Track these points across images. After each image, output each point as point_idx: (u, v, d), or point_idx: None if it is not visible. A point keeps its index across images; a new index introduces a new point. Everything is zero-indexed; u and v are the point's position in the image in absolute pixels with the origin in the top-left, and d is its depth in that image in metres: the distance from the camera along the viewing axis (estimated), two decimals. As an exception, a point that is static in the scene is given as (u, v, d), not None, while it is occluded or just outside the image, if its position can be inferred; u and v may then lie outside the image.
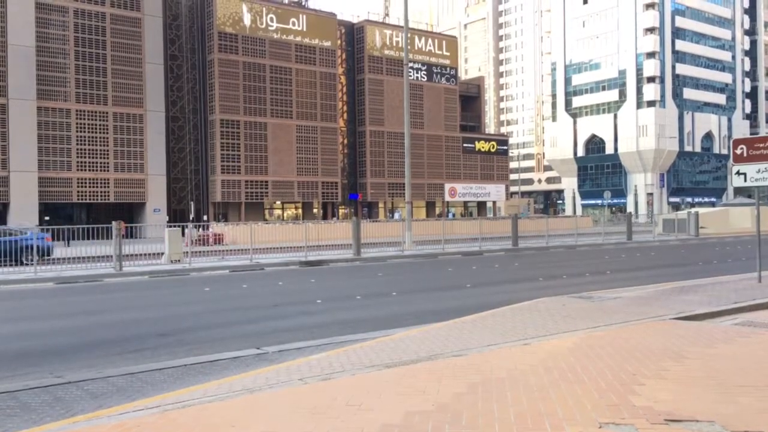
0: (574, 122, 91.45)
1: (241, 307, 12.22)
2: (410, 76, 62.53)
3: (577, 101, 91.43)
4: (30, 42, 46.06)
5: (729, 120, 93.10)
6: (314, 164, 59.27)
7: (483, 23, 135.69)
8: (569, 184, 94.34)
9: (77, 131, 48.50)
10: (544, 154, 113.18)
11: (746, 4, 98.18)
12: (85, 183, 48.78)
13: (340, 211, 64.99)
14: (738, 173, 12.81)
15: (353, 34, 65.33)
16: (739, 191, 74.41)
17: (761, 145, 12.52)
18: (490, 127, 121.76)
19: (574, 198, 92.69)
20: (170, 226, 22.54)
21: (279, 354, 7.78)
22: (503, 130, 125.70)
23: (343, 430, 4.36)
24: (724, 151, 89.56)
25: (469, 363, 6.32)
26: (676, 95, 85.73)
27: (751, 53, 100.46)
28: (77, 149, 48.52)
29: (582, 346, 7.02)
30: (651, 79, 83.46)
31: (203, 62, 55.25)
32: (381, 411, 4.77)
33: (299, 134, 58.23)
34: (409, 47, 40.46)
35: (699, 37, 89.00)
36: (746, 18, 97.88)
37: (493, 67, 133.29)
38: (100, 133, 49.30)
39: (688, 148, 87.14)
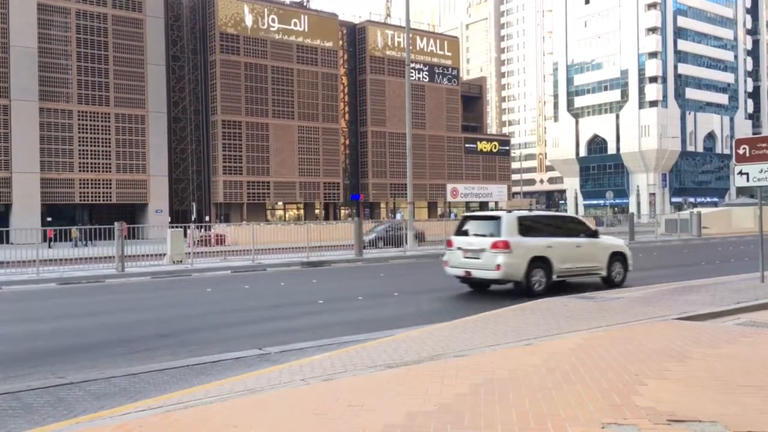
0: (576, 122, 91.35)
1: (243, 307, 12.22)
2: (412, 76, 62.46)
3: (579, 101, 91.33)
4: (32, 43, 46.13)
5: (731, 120, 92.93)
6: (316, 165, 59.29)
7: (485, 23, 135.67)
8: (571, 185, 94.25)
9: (79, 132, 48.56)
10: (546, 154, 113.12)
11: (748, 4, 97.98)
12: (88, 184, 48.83)
13: (342, 211, 64.99)
14: (741, 173, 12.79)
15: (355, 35, 65.34)
16: (741, 191, 74.22)
17: (764, 145, 12.49)
18: (492, 128, 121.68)
19: (576, 198, 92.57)
20: (172, 227, 22.55)
21: (281, 354, 7.78)
22: (505, 130, 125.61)
23: (345, 431, 4.35)
24: (727, 151, 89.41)
25: (471, 363, 6.31)
26: (679, 95, 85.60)
27: (754, 53, 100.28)
28: (79, 150, 48.58)
29: (584, 347, 7.00)
30: (653, 79, 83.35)
31: (205, 63, 55.31)
32: (383, 411, 4.76)
33: (301, 135, 58.26)
34: (410, 47, 40.47)
35: (701, 37, 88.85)
36: (748, 18, 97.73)
37: (495, 67, 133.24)
38: (102, 134, 49.36)
39: (690, 148, 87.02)
